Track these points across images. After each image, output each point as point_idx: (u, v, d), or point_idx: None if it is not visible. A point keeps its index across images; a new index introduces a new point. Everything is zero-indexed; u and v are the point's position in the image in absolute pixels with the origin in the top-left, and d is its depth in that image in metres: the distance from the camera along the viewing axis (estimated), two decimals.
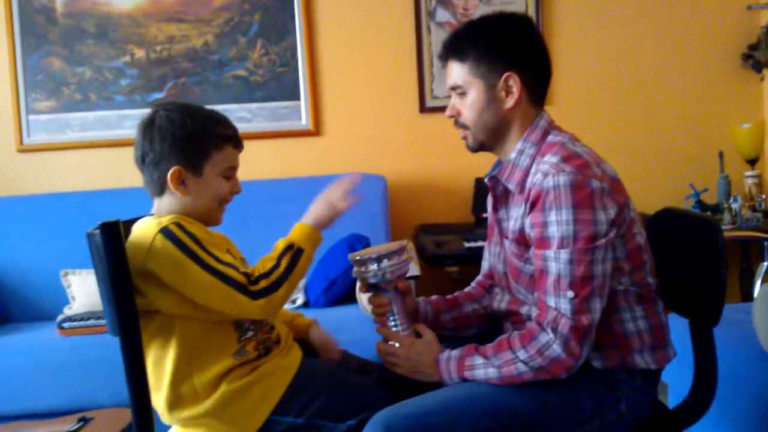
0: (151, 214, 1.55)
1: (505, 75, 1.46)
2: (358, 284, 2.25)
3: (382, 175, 3.34)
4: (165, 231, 1.42)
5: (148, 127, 1.53)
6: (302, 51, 3.42)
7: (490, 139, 1.52)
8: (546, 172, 1.38)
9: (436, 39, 3.43)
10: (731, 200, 3.24)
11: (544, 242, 1.37)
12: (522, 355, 1.38)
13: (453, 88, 1.52)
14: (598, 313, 1.36)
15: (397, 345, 1.53)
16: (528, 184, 1.44)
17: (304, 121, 3.46)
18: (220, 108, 3.35)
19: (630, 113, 3.58)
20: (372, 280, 1.54)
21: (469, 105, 1.50)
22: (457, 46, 1.50)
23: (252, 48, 3.42)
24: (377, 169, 3.41)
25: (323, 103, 3.49)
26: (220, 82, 3.43)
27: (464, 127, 1.53)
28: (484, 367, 1.42)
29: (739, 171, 3.49)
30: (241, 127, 3.51)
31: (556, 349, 1.35)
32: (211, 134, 1.54)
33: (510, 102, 1.47)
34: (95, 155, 3.41)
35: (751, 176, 3.42)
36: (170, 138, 1.50)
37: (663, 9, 3.54)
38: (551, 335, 1.35)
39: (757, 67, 3.47)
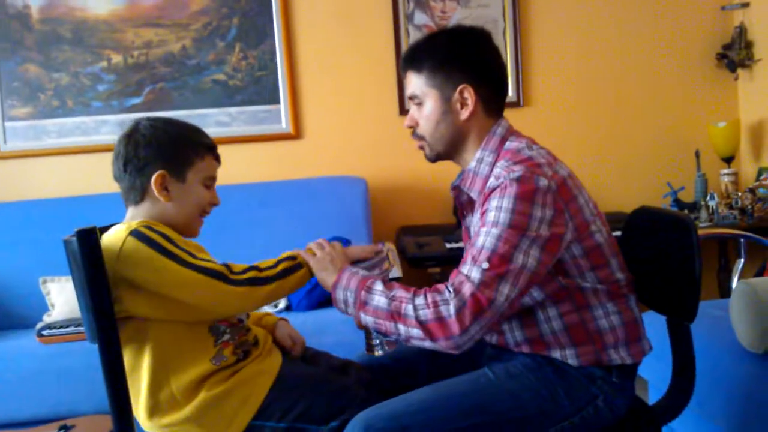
0: (109, 226, 1.54)
1: (460, 87, 1.49)
2: None
3: (363, 177, 3.35)
4: (135, 233, 1.42)
5: (131, 135, 1.54)
6: (281, 54, 3.42)
7: (446, 149, 1.55)
8: (498, 176, 1.41)
9: None
10: (708, 198, 3.28)
11: (482, 224, 1.39)
12: (417, 300, 1.34)
13: (411, 98, 1.56)
14: (503, 299, 1.32)
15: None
16: (487, 190, 1.45)
17: (284, 124, 3.46)
18: (199, 112, 3.45)
19: (607, 113, 3.61)
20: None
21: (426, 116, 1.53)
22: (415, 57, 1.54)
23: (230, 52, 3.42)
24: (358, 171, 3.42)
25: (303, 107, 3.49)
26: (199, 87, 3.42)
27: (421, 138, 1.56)
28: (379, 295, 1.38)
29: (715, 169, 3.53)
30: (221, 132, 3.58)
31: (450, 309, 1.31)
32: (194, 142, 1.57)
33: (465, 114, 1.50)
34: (73, 161, 3.38)
35: (727, 174, 3.47)
36: (155, 143, 1.52)
37: (638, 10, 3.57)
38: (452, 294, 1.33)
39: (732, 67, 3.52)
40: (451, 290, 1.33)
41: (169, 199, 1.53)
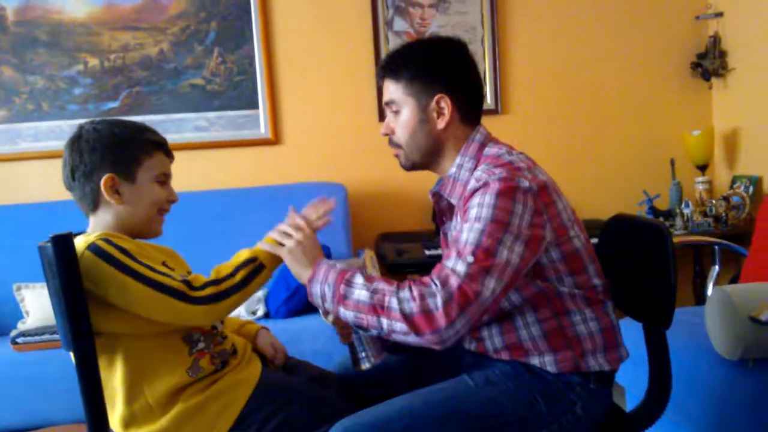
0: (83, 233, 1.52)
1: (437, 96, 1.50)
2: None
3: (343, 183, 3.34)
4: (92, 247, 1.39)
5: (75, 142, 1.51)
6: (260, 59, 3.41)
7: (423, 158, 1.55)
8: (479, 178, 1.42)
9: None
10: (683, 206, 3.33)
11: (464, 221, 1.39)
12: (403, 293, 1.31)
13: (387, 104, 1.56)
14: (489, 293, 1.30)
15: (307, 231, 1.50)
16: (467, 193, 1.45)
17: (263, 129, 3.45)
18: (177, 117, 3.42)
19: (583, 121, 3.65)
20: None
21: (403, 124, 1.54)
22: (392, 65, 1.54)
23: (209, 56, 3.40)
24: (337, 177, 3.42)
25: (282, 112, 3.48)
26: (177, 91, 3.39)
27: (397, 146, 1.56)
28: (360, 288, 1.35)
29: (690, 177, 3.58)
30: (199, 137, 3.55)
31: (437, 301, 1.28)
32: (140, 140, 1.53)
33: (441, 123, 1.51)
34: (48, 166, 3.33)
35: (702, 182, 3.52)
36: (100, 147, 1.49)
37: (614, 20, 3.62)
38: (438, 286, 1.31)
39: (706, 76, 3.57)
40: (437, 283, 1.31)
41: (122, 202, 1.50)
